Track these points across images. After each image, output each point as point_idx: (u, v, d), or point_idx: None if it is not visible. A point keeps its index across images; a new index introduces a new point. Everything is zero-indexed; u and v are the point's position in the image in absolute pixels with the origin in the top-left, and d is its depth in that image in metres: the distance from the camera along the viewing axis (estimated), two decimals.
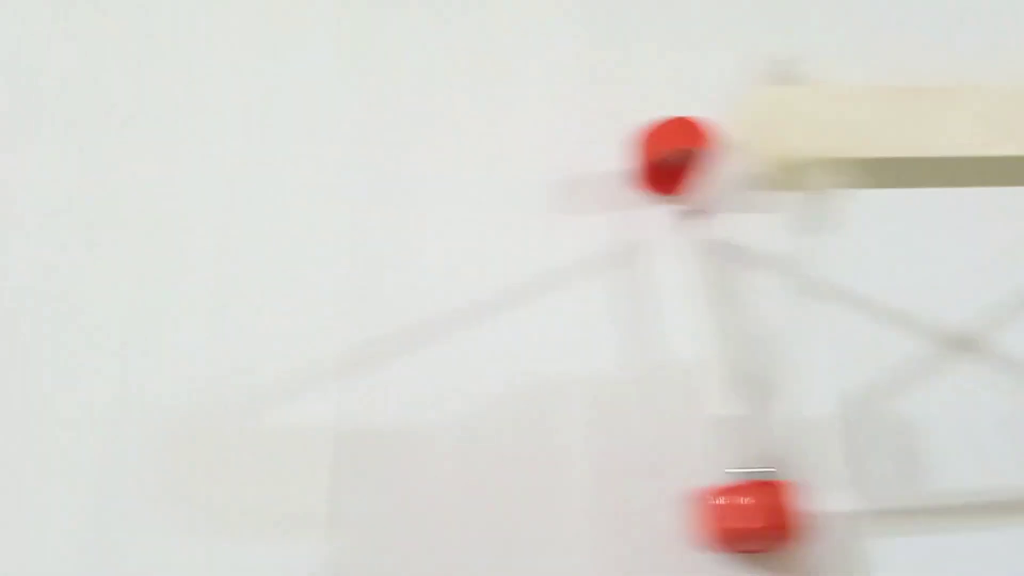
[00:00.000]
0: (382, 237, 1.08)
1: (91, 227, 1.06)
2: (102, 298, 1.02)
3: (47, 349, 1.00)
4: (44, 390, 0.97)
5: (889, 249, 1.07)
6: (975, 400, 1.01)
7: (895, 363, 1.01)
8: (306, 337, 1.02)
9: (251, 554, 0.91)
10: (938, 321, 1.03)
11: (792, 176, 0.71)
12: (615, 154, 1.11)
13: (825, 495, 0.90)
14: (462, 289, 1.05)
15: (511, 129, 1.14)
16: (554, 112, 1.15)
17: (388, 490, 0.94)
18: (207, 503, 0.93)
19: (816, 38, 1.21)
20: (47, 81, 1.15)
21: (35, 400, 0.97)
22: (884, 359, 1.02)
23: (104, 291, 1.03)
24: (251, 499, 0.94)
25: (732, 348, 0.99)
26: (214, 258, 1.06)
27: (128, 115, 1.13)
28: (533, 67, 1.18)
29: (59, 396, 0.97)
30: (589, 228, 1.08)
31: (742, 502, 0.87)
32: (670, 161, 1.04)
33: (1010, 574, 0.92)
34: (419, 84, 1.16)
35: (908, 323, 1.02)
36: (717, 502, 0.88)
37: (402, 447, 0.96)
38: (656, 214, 1.08)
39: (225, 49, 1.19)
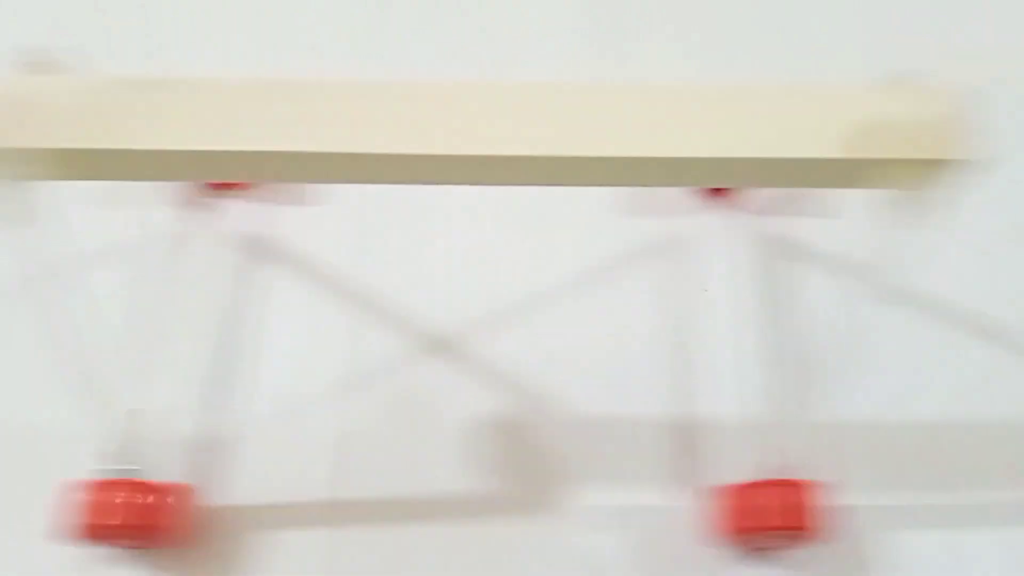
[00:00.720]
0: (382, 237, 1.08)
1: None
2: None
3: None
4: (44, 390, 0.97)
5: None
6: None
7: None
8: (306, 338, 1.02)
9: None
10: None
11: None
12: None
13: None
14: (461, 289, 1.05)
15: None
16: None
17: (388, 493, 0.94)
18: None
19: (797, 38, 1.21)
20: None
21: (35, 400, 0.97)
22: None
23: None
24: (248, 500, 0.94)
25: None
26: None
27: None
28: (533, 67, 1.18)
29: (58, 397, 0.97)
30: (587, 228, 1.08)
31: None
32: None
33: None
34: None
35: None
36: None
37: (404, 450, 0.96)
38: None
39: (225, 48, 1.19)
